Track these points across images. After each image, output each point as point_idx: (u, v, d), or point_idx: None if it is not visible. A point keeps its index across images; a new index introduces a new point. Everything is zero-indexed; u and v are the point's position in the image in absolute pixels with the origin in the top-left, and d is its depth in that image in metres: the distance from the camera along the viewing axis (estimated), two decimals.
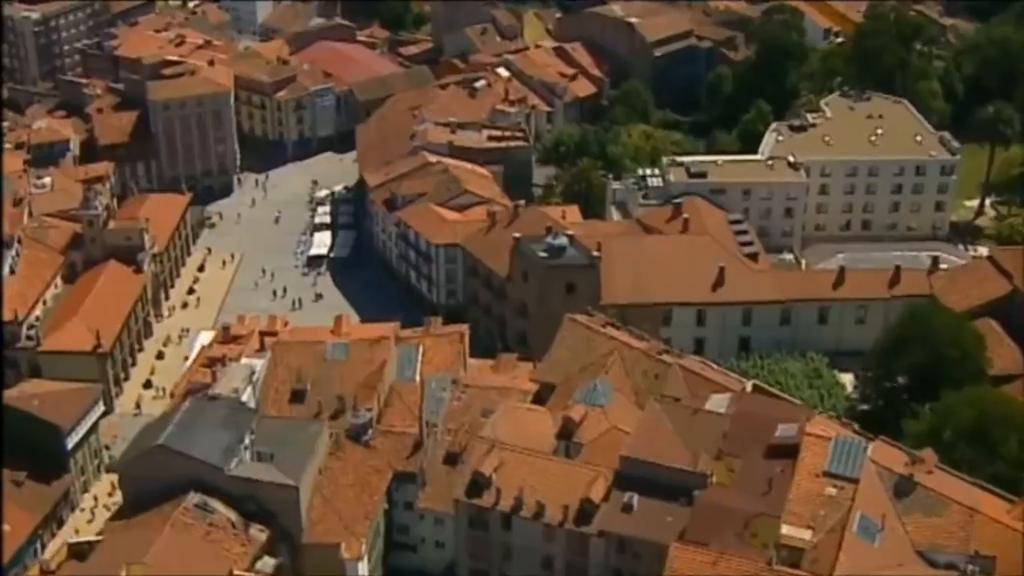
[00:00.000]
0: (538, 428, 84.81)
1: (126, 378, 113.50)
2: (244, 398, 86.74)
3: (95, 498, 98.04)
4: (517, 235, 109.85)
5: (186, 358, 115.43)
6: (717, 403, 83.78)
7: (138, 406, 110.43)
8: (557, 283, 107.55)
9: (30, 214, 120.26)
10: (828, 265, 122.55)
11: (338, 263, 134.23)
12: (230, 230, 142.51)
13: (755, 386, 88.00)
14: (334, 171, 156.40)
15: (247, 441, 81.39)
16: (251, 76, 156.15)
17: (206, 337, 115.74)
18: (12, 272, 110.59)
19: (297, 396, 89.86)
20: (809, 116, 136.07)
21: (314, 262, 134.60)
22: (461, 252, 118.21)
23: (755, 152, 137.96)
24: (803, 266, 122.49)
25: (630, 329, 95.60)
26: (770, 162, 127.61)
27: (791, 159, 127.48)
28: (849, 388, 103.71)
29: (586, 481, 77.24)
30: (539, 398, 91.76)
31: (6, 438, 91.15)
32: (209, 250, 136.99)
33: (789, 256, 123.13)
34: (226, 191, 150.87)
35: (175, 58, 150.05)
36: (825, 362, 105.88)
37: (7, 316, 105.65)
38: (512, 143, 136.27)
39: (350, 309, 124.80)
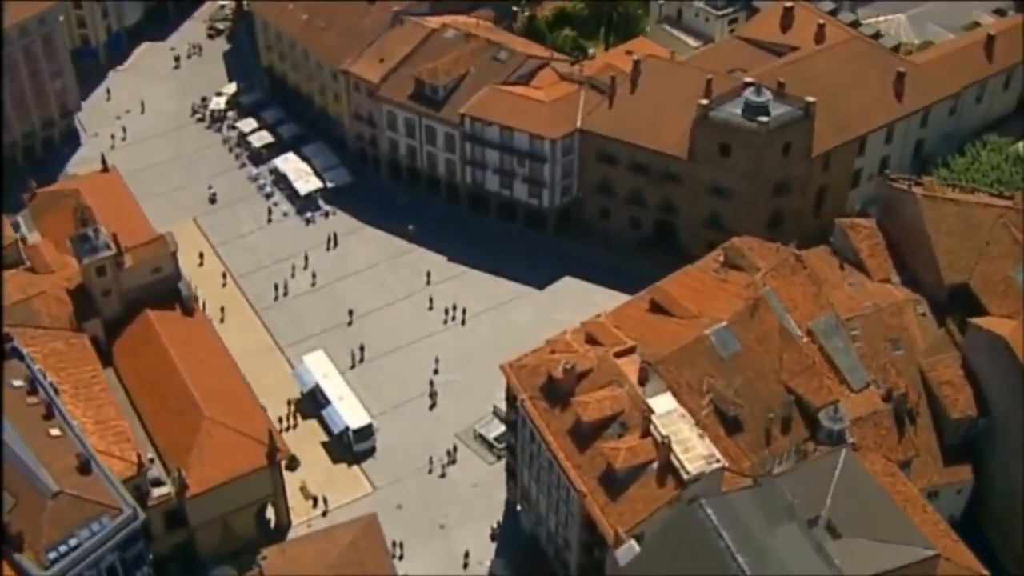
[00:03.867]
0: None
1: None
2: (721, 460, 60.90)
3: None
4: (704, 102, 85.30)
5: (300, 398, 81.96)
6: None
7: (314, 502, 76.29)
8: (774, 148, 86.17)
9: None
10: (905, 26, 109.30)
11: (342, 195, 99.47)
12: (145, 194, 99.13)
13: None
14: (179, 68, 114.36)
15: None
16: None
17: (316, 364, 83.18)
18: (55, 392, 67.94)
19: (731, 424, 65.09)
20: None
21: (309, 203, 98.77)
22: (579, 139, 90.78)
23: None
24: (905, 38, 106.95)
25: (969, 186, 78.95)
26: None
27: None
28: None
29: None
30: (938, 309, 73.88)
31: None
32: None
33: (866, 22, 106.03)
34: (75, 141, 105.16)
35: None
36: (1010, 141, 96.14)
37: (128, 471, 65.73)
38: None
39: (435, 255, 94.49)
